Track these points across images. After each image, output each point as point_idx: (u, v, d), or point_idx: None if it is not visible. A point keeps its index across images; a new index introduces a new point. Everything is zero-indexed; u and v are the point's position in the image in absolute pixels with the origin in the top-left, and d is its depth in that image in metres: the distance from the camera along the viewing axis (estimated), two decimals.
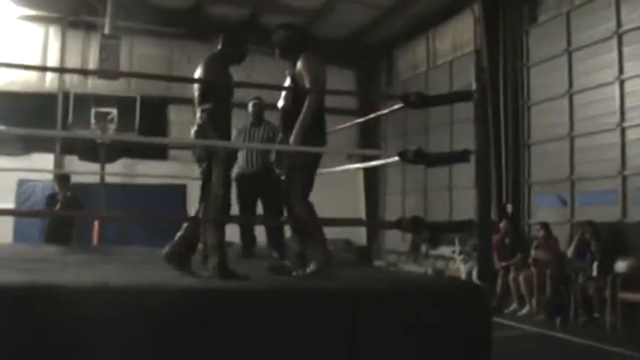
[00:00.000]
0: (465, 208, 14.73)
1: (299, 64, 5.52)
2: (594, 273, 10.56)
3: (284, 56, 5.78)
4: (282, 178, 5.68)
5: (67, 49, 18.00)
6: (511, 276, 11.91)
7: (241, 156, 8.04)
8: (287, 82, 5.73)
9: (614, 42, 12.03)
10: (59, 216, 10.73)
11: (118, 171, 16.99)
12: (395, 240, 18.43)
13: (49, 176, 14.92)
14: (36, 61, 17.63)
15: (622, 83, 11.85)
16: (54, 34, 18.09)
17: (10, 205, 15.69)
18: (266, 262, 5.79)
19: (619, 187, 11.82)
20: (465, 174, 13.84)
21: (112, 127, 16.12)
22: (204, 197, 5.25)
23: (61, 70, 19.42)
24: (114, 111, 16.27)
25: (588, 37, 12.65)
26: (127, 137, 16.01)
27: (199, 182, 5.31)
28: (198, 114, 5.27)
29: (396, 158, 5.01)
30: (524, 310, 11.55)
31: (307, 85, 5.44)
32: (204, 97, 5.26)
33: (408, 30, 18.48)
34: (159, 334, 3.80)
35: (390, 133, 19.79)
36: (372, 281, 5.63)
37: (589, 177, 12.54)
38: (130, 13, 16.91)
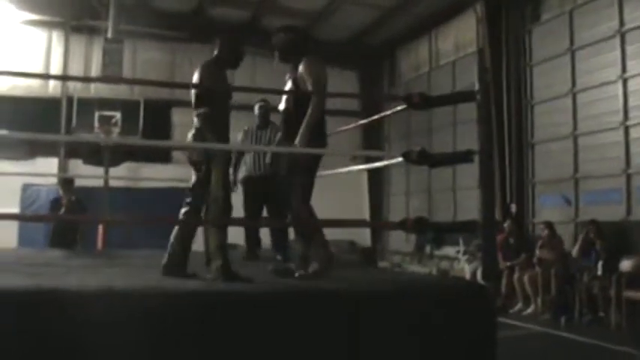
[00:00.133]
0: (469, 208, 14.72)
1: (301, 68, 5.52)
2: (599, 272, 10.55)
3: (284, 59, 5.79)
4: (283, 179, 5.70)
5: (70, 54, 18.04)
6: (516, 276, 11.91)
7: (249, 158, 8.05)
8: (288, 85, 5.74)
9: (617, 41, 12.02)
10: (63, 220, 10.75)
11: (122, 174, 17.02)
12: (399, 241, 18.43)
13: (54, 180, 14.96)
14: (39, 66, 17.68)
15: (625, 82, 11.84)
16: (57, 38, 18.13)
17: (15, 209, 15.74)
18: (270, 265, 5.79)
19: (623, 185, 11.81)
20: (469, 174, 13.83)
21: (116, 130, 16.15)
22: (194, 200, 5.30)
23: (64, 77, 19.43)
24: (117, 114, 16.30)
25: (591, 36, 12.64)
26: (131, 141, 16.05)
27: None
28: (195, 118, 5.30)
29: (400, 159, 5.01)
30: (529, 310, 11.53)
31: (310, 88, 5.45)
32: (199, 101, 5.29)
33: (410, 30, 18.48)
34: (162, 337, 3.81)
35: (393, 134, 19.79)
36: (376, 282, 5.63)
37: (593, 176, 12.53)
38: (132, 16, 16.94)
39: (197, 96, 5.33)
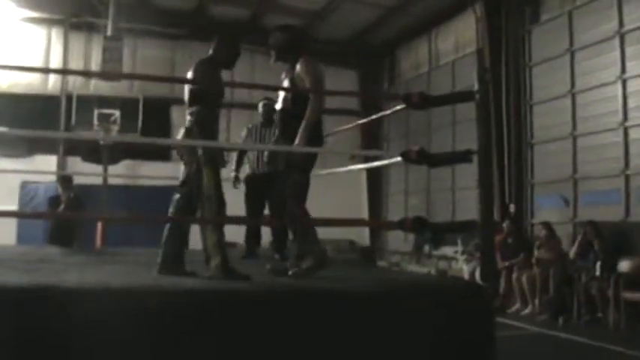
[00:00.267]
0: (468, 208, 14.72)
1: (298, 67, 5.54)
2: (597, 272, 10.54)
3: (280, 58, 5.80)
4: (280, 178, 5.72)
5: (69, 51, 18.06)
6: (514, 276, 11.92)
7: (252, 156, 8.06)
8: (284, 84, 5.75)
9: (617, 41, 12.01)
10: (62, 218, 10.75)
11: (120, 172, 17.02)
12: (398, 240, 18.44)
13: (52, 178, 14.95)
14: (39, 63, 17.68)
15: (624, 83, 11.84)
16: (56, 35, 18.14)
17: (14, 206, 15.75)
18: (268, 264, 5.79)
19: (622, 186, 11.81)
20: (468, 174, 13.83)
21: (115, 128, 16.16)
22: (181, 198, 5.32)
23: (63, 71, 19.44)
24: (117, 112, 16.30)
25: (590, 37, 12.64)
26: (130, 138, 16.04)
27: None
28: (187, 117, 5.32)
29: (399, 159, 5.01)
30: (527, 310, 11.54)
31: (309, 87, 5.46)
32: (192, 99, 5.31)
33: (410, 30, 18.49)
34: (160, 335, 3.81)
35: (392, 133, 19.79)
36: (374, 282, 5.63)
37: (592, 176, 12.53)
38: (132, 14, 16.94)
39: (190, 94, 5.35)
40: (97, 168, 16.06)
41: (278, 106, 5.80)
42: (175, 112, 17.62)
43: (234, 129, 18.34)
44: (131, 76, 18.56)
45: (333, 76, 17.77)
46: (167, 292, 4.09)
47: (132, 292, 4.03)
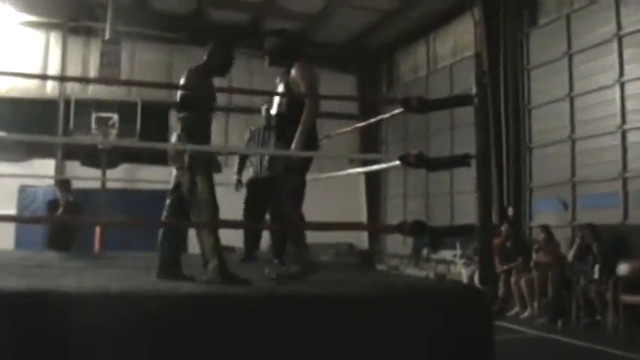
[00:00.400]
0: (467, 212, 14.73)
1: (293, 72, 5.55)
2: (596, 276, 10.54)
3: (274, 62, 5.83)
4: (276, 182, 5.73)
5: (67, 55, 18.06)
6: (513, 279, 11.92)
7: (255, 159, 8.05)
8: (279, 89, 5.76)
9: (615, 45, 12.02)
10: (61, 222, 10.74)
11: (119, 176, 17.00)
12: (397, 244, 18.44)
13: (51, 182, 14.94)
14: (37, 67, 17.69)
15: (622, 86, 11.84)
16: (55, 39, 18.15)
17: (12, 211, 15.73)
18: (267, 268, 5.78)
19: (620, 189, 11.81)
20: (467, 178, 13.83)
21: (113, 132, 16.14)
22: (172, 203, 5.34)
23: (61, 78, 19.43)
24: (115, 116, 16.29)
25: (589, 40, 12.65)
26: (128, 143, 16.03)
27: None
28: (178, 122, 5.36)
29: (398, 162, 5.01)
30: (526, 314, 11.54)
31: (304, 91, 5.48)
32: (182, 105, 5.32)
33: (408, 34, 18.52)
34: (159, 339, 3.80)
35: (391, 137, 19.80)
36: (373, 285, 5.63)
37: (590, 180, 12.53)
38: (130, 18, 16.95)
39: (181, 100, 5.37)
40: (96, 172, 16.04)
41: (273, 111, 5.81)
42: (174, 116, 17.55)
43: (232, 133, 18.43)
44: (127, 82, 18.52)
45: (331, 80, 17.87)
46: (165, 297, 4.09)
47: (130, 296, 4.03)
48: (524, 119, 14.34)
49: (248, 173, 8.18)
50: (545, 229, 12.18)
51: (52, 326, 3.65)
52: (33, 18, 17.50)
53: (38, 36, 18.02)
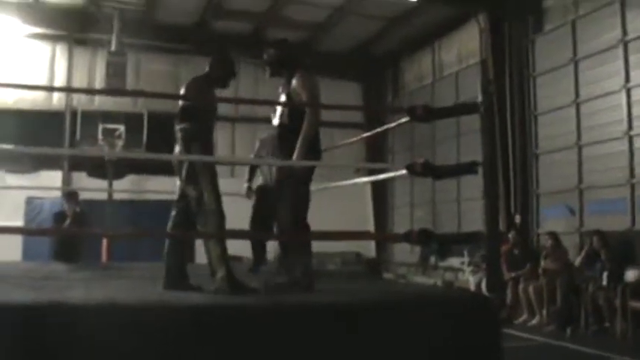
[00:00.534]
0: (474, 219, 14.69)
1: (294, 82, 5.57)
2: (604, 282, 10.50)
3: (275, 73, 5.85)
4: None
5: (74, 66, 18.14)
6: (521, 287, 11.88)
7: (265, 168, 8.04)
8: (281, 99, 5.78)
9: (620, 50, 12.01)
10: (68, 234, 10.75)
11: (126, 187, 17.02)
12: (404, 252, 18.41)
13: (57, 193, 14.97)
14: (43, 79, 17.75)
15: (629, 91, 11.82)
16: (61, 51, 18.22)
17: (19, 222, 15.75)
18: (272, 279, 5.77)
19: (628, 195, 11.77)
20: (473, 185, 13.82)
21: (120, 143, 16.18)
22: (177, 214, 5.35)
23: (68, 90, 19.46)
24: (121, 127, 16.34)
25: (594, 46, 12.64)
26: (134, 154, 16.06)
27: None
28: (177, 133, 5.38)
29: (404, 171, 5.01)
30: (535, 321, 11.49)
31: (305, 101, 5.49)
32: (182, 116, 5.35)
33: (413, 41, 18.53)
34: (166, 350, 3.80)
35: (397, 145, 19.78)
36: (381, 294, 5.62)
37: (597, 186, 12.50)
38: (135, 30, 17.02)
39: (181, 110, 5.38)
40: (103, 183, 16.07)
41: (276, 121, 5.82)
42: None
43: (239, 143, 18.47)
44: (133, 93, 18.60)
45: (336, 89, 17.92)
46: (172, 308, 4.09)
47: (137, 308, 4.03)
48: (530, 126, 14.32)
49: (259, 181, 8.18)
50: (553, 235, 12.14)
51: (59, 339, 3.65)
52: (39, 30, 17.55)
53: (44, 48, 18.09)
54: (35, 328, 3.64)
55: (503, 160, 13.98)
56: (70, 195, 11.08)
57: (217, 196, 5.14)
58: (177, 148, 5.47)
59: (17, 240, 15.10)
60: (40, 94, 17.74)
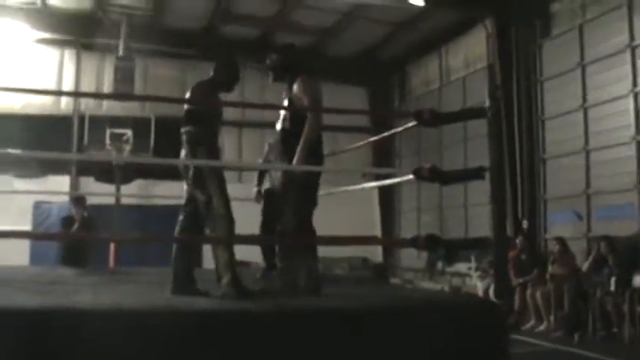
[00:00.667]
0: (481, 224, 14.67)
1: (296, 87, 5.59)
2: (612, 288, 10.46)
3: (278, 78, 5.87)
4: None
5: (82, 72, 18.22)
6: (528, 292, 11.84)
7: (273, 173, 8.04)
8: (283, 104, 5.80)
9: (628, 55, 11.99)
10: (76, 238, 10.77)
11: (133, 192, 17.06)
12: (411, 257, 18.38)
13: (65, 198, 15.01)
14: (52, 84, 17.81)
15: (636, 96, 11.79)
16: (69, 56, 18.30)
17: (27, 227, 15.79)
18: (272, 285, 5.77)
19: (636, 200, 11.73)
20: (481, 190, 13.79)
21: (127, 147, 16.22)
22: (186, 218, 5.35)
23: (76, 94, 19.55)
24: (129, 132, 16.38)
25: (602, 51, 12.62)
26: (141, 159, 16.10)
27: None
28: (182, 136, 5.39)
29: (411, 176, 5.00)
30: (542, 327, 11.45)
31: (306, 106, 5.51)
32: (186, 119, 5.38)
33: (420, 46, 18.53)
34: (174, 355, 3.80)
35: (404, 150, 19.78)
36: (387, 299, 5.61)
37: (605, 191, 12.47)
38: (143, 35, 17.06)
39: (186, 114, 5.39)
40: (110, 188, 16.11)
41: (278, 126, 5.84)
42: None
43: (247, 147, 18.49)
44: (140, 98, 18.64)
45: (343, 94, 17.95)
46: (180, 313, 4.09)
47: (145, 313, 4.03)
48: (537, 131, 14.30)
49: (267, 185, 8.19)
50: (561, 241, 12.10)
51: (65, 343, 3.65)
52: (47, 35, 17.61)
53: (53, 53, 18.17)
54: (42, 333, 3.64)
55: (510, 165, 13.96)
56: (78, 200, 11.11)
57: (226, 201, 5.15)
58: (183, 152, 5.47)
59: (25, 244, 15.14)
60: (48, 99, 17.82)
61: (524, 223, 13.87)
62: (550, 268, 11.85)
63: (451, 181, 5.27)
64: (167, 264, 5.40)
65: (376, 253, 19.44)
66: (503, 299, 4.77)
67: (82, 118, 17.29)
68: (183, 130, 5.37)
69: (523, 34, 14.62)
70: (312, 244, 5.62)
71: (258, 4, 16.53)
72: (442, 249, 11.86)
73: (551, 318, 11.33)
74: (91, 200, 11.80)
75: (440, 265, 16.99)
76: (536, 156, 14.25)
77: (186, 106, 5.55)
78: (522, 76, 14.50)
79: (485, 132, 4.98)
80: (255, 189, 8.20)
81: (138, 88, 17.16)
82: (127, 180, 16.56)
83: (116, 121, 16.60)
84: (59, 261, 10.67)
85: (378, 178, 14.43)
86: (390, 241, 21.47)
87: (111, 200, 15.48)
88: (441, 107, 15.88)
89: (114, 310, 4.01)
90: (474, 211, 15.97)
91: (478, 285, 13.27)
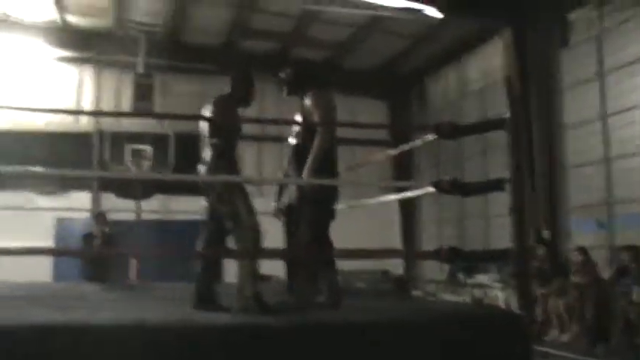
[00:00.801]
0: (502, 235, 14.57)
1: (307, 101, 5.60)
2: (635, 297, 10.38)
3: (292, 92, 5.89)
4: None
5: (101, 88, 18.35)
6: (550, 302, 11.76)
7: (290, 186, 8.05)
8: (297, 118, 5.82)
9: None
10: (97, 254, 10.84)
11: (154, 207, 17.12)
12: (432, 269, 18.32)
13: (87, 214, 15.10)
14: (71, 101, 17.96)
15: None
16: (88, 74, 18.43)
17: (49, 243, 15.88)
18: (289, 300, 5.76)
19: None
20: (501, 201, 13.65)
21: (147, 163, 16.29)
22: (210, 233, 5.37)
23: (95, 113, 19.67)
24: (148, 148, 16.45)
25: (621, 58, 12.57)
26: (161, 176, 16.17)
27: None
28: (208, 150, 5.43)
29: (432, 189, 5.00)
30: (565, 337, 11.37)
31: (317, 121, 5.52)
32: (212, 132, 5.43)
33: (438, 58, 18.53)
34: None
35: (423, 162, 19.73)
36: (410, 311, 5.60)
37: (626, 199, 12.39)
38: (162, 51, 17.20)
39: (211, 126, 5.39)
40: (131, 203, 16.17)
41: (292, 140, 5.85)
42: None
43: (267, 162, 18.53)
44: (159, 116, 18.77)
45: (362, 107, 17.98)
46: (202, 328, 4.10)
47: (167, 328, 4.04)
48: (557, 140, 14.24)
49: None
50: (583, 250, 12.02)
51: (89, 358, 3.67)
52: (67, 53, 17.78)
53: (72, 70, 18.31)
54: (65, 349, 3.67)
55: (530, 175, 13.92)
56: (99, 216, 11.20)
57: (251, 211, 5.16)
58: (202, 168, 5.49)
59: (47, 261, 15.26)
60: (68, 117, 17.95)
61: (546, 233, 13.80)
62: (572, 278, 11.77)
63: (472, 193, 5.26)
64: (187, 279, 5.42)
65: (396, 266, 19.37)
66: (525, 310, 4.75)
67: (101, 135, 17.41)
68: (211, 141, 5.39)
69: (541, 44, 14.59)
70: (332, 258, 5.63)
71: (275, 19, 16.60)
72: (463, 261, 11.84)
73: (574, 328, 11.25)
74: (113, 216, 11.86)
75: (461, 276, 16.92)
76: (557, 165, 14.19)
77: (209, 117, 5.56)
78: (541, 85, 14.47)
79: (505, 142, 4.97)
80: (273, 204, 8.22)
81: (157, 104, 17.27)
82: (147, 196, 16.62)
83: (136, 138, 16.67)
84: (81, 276, 10.74)
85: (398, 190, 14.44)
86: (412, 253, 21.41)
87: (131, 216, 15.54)
88: (459, 118, 15.83)
89: (136, 325, 4.03)
90: (494, 222, 15.91)
91: (499, 296, 13.21)
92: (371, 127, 15.80)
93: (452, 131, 5.02)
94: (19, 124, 17.13)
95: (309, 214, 5.51)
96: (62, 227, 16.87)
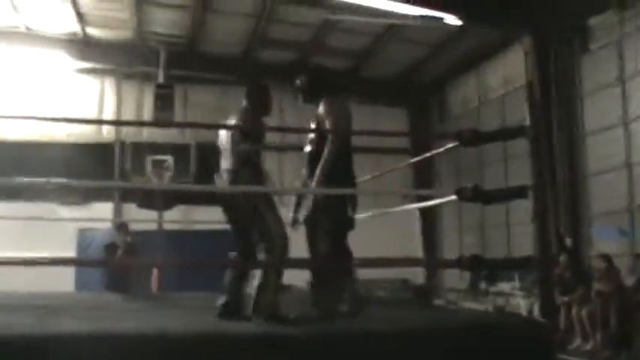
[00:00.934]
0: (524, 243, 14.52)
1: (320, 108, 5.60)
2: None
3: (306, 100, 5.89)
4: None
5: (122, 100, 18.47)
6: (574, 311, 11.67)
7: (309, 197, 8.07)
8: (312, 126, 5.83)
9: None
10: (120, 264, 10.90)
11: (175, 217, 17.19)
12: (453, 278, 18.25)
13: (109, 225, 15.19)
14: (93, 112, 18.09)
15: None
16: (110, 85, 18.56)
17: (72, 253, 15.98)
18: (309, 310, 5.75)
19: None
20: (523, 209, 13.62)
21: (168, 174, 16.36)
22: (242, 244, 5.35)
23: (117, 123, 19.79)
24: (169, 158, 16.52)
25: None
26: (182, 187, 16.22)
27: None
28: (232, 159, 5.42)
29: (454, 197, 4.99)
30: (589, 346, 11.26)
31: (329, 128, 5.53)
32: (239, 140, 5.42)
33: (458, 66, 18.48)
34: None
35: (444, 170, 19.68)
36: (431, 320, 5.58)
37: None
38: (182, 62, 17.32)
39: (240, 133, 5.42)
40: (152, 214, 16.25)
41: (307, 148, 5.85)
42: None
43: (288, 170, 18.53)
44: (180, 125, 18.88)
45: (383, 115, 17.96)
46: (227, 337, 4.11)
47: (190, 337, 4.05)
48: (579, 147, 14.16)
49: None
50: (606, 257, 11.93)
51: None
52: (88, 65, 17.93)
53: (93, 82, 18.45)
54: (88, 357, 3.69)
55: (552, 182, 13.83)
56: (121, 226, 11.27)
57: (278, 219, 5.18)
58: (220, 177, 5.50)
59: (70, 271, 15.36)
60: (90, 127, 18.09)
61: (568, 241, 13.71)
62: (595, 286, 11.68)
63: (494, 201, 5.24)
64: (209, 289, 5.43)
65: (416, 274, 19.31)
66: (548, 318, 4.73)
67: (123, 146, 17.52)
68: (236, 150, 5.40)
69: (561, 50, 14.53)
70: (351, 267, 5.62)
71: (294, 29, 16.64)
72: (485, 269, 11.78)
73: (598, 336, 11.15)
74: (134, 226, 11.92)
75: (482, 285, 16.84)
76: (578, 172, 14.11)
77: (235, 124, 5.59)
78: (562, 92, 14.39)
79: (526, 150, 4.96)
80: (290, 214, 8.23)
81: (177, 115, 17.38)
82: (168, 206, 16.69)
83: (157, 148, 16.76)
84: (104, 286, 10.80)
85: (419, 199, 14.41)
86: (434, 262, 21.34)
87: (153, 226, 15.60)
88: (480, 126, 15.75)
89: (159, 335, 4.04)
90: (516, 230, 15.83)
91: (521, 304, 13.13)
92: (392, 135, 15.76)
93: (473, 139, 5.00)
94: (41, 135, 17.35)
95: (325, 225, 5.50)
96: (84, 238, 16.98)
